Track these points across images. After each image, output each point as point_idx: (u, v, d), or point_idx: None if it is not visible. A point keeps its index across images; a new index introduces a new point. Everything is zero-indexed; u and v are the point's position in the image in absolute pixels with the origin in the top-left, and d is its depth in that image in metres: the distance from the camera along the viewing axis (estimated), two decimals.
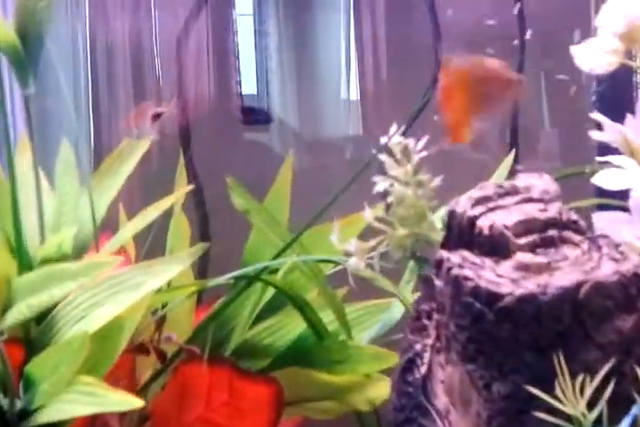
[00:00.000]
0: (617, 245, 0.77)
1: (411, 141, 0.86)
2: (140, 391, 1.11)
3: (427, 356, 0.79)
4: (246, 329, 1.17)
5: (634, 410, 0.66)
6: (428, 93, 1.22)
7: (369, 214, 0.86)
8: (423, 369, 0.78)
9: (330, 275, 1.23)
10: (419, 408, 0.77)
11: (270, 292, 1.20)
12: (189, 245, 1.24)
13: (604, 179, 1.03)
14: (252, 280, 1.12)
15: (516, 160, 1.41)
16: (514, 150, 1.31)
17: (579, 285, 0.71)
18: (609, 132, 0.98)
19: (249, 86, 1.62)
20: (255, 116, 1.51)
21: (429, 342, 0.79)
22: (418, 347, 0.79)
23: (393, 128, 0.88)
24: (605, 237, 0.79)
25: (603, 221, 1.00)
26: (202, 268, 1.39)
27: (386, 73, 1.61)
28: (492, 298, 0.72)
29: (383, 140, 0.87)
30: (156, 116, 1.33)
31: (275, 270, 1.18)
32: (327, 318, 1.20)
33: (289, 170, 1.28)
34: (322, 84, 1.70)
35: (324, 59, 1.69)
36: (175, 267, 1.03)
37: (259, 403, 1.08)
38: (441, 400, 0.77)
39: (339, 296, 1.24)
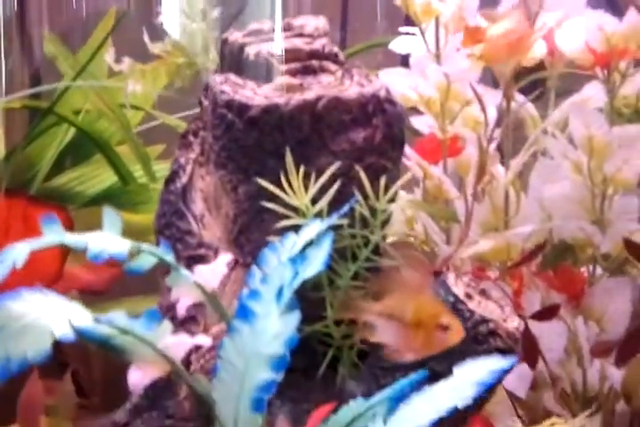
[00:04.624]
0: (367, 75, 0.85)
1: None
2: None
3: (189, 168, 0.85)
4: (49, 170, 1.21)
5: (352, 200, 0.75)
6: None
7: (150, 43, 0.91)
8: (184, 179, 0.85)
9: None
10: (177, 213, 0.84)
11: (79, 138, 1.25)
12: None
13: (398, 45, 1.11)
14: (46, 113, 1.16)
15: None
16: None
17: (318, 98, 0.78)
18: None
19: None
20: None
21: (193, 156, 0.86)
22: (182, 160, 0.86)
23: None
24: (359, 67, 0.86)
25: (387, 76, 1.09)
26: None
27: None
28: (243, 109, 0.79)
29: None
30: None
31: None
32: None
33: (110, 21, 1.30)
34: None
35: None
36: None
37: None
38: (198, 206, 0.84)
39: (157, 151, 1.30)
